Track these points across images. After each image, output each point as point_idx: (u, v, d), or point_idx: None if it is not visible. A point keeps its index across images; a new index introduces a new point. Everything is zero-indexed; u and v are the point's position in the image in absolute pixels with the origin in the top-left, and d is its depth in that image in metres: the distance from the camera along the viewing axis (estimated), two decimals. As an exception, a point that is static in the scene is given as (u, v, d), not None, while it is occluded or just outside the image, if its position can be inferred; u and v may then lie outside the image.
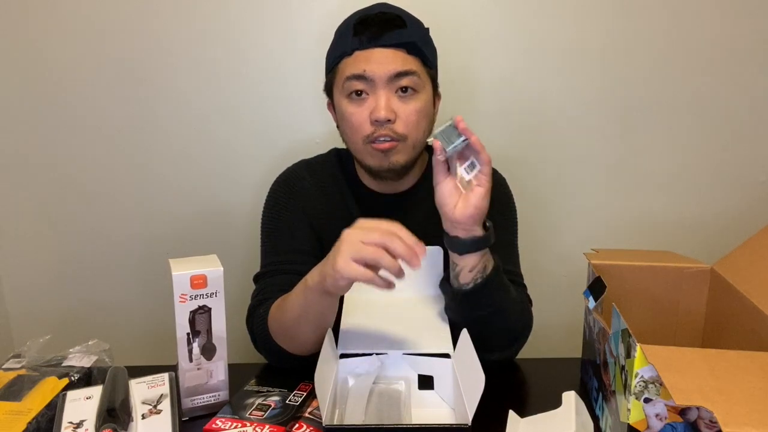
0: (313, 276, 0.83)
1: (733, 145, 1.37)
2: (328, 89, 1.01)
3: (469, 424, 0.72)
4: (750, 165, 1.38)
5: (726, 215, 1.40)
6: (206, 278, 0.80)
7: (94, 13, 1.28)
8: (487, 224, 0.87)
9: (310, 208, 1.05)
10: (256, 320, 0.96)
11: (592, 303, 0.86)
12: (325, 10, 1.28)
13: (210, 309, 0.82)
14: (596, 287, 0.85)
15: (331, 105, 1.03)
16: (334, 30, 1.00)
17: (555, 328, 1.34)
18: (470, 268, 0.86)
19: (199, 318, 0.81)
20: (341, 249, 0.76)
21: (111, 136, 1.35)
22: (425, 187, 1.04)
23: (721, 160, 1.38)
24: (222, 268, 0.82)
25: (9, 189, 1.37)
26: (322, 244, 1.02)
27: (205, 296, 0.81)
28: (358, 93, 0.94)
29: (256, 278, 1.04)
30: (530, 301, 1.02)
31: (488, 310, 0.89)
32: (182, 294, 0.80)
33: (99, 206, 1.39)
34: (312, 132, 1.34)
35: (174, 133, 1.35)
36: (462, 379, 0.79)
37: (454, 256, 0.88)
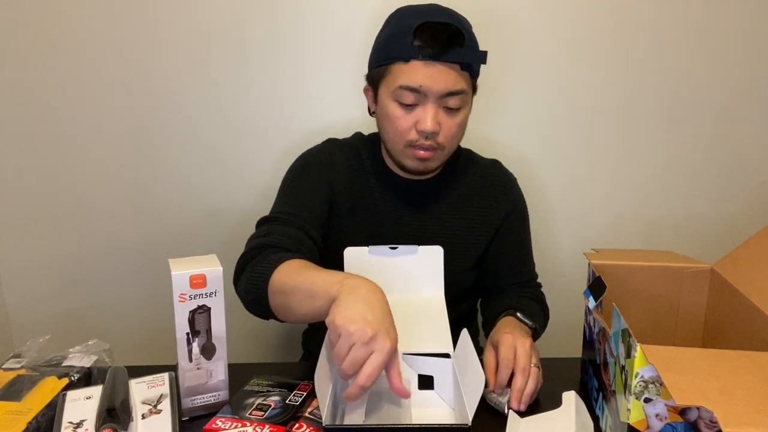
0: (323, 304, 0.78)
1: (733, 146, 1.37)
2: (373, 82, 1.01)
3: (469, 424, 0.72)
4: (750, 165, 1.38)
5: (726, 215, 1.40)
6: (206, 278, 0.80)
7: (94, 15, 1.28)
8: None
9: (336, 182, 1.06)
10: (262, 260, 0.89)
11: (592, 303, 0.86)
12: (330, 10, 1.27)
13: (209, 309, 0.82)
14: (596, 287, 0.85)
15: (371, 93, 1.03)
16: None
17: (555, 328, 1.34)
18: None
19: (199, 318, 0.81)
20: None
21: (110, 137, 1.35)
22: (448, 176, 1.09)
23: (721, 160, 1.38)
24: (221, 268, 0.81)
25: (9, 189, 1.37)
26: (333, 216, 1.05)
27: (204, 296, 0.81)
28: (409, 105, 0.96)
29: (262, 222, 1.01)
30: (543, 294, 1.15)
31: None
32: (182, 294, 0.80)
33: (99, 206, 1.39)
34: (313, 132, 1.34)
35: (174, 133, 1.35)
36: (462, 379, 0.79)
37: None
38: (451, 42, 0.92)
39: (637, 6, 1.29)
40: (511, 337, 0.88)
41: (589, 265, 0.92)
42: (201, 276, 0.80)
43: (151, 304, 1.44)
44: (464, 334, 0.83)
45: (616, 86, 1.34)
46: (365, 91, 1.05)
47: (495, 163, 1.15)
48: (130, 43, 1.30)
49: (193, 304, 0.81)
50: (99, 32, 1.29)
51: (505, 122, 1.36)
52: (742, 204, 1.40)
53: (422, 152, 0.98)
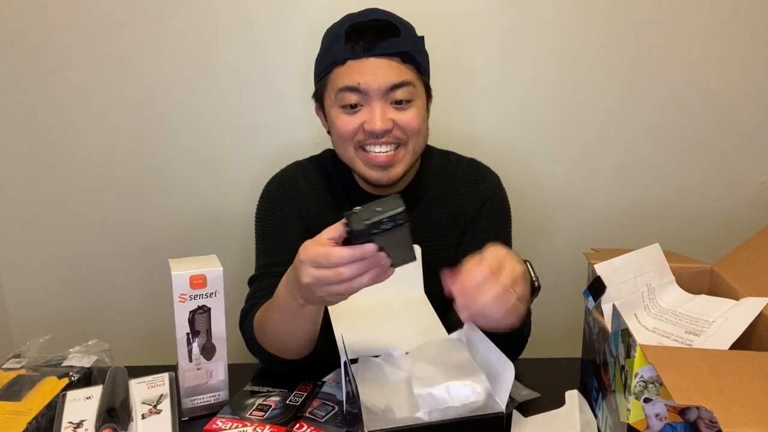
0: (292, 292, 0.78)
1: (734, 145, 1.37)
2: (318, 97, 1.00)
3: (504, 411, 0.71)
4: (750, 165, 1.38)
5: (726, 215, 1.40)
6: (206, 278, 0.80)
7: (94, 19, 1.28)
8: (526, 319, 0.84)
9: (305, 209, 1.04)
10: (247, 327, 0.94)
11: (592, 303, 0.86)
12: (323, 11, 1.27)
13: (209, 309, 0.82)
14: (596, 287, 0.85)
15: (321, 111, 1.01)
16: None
17: (555, 328, 1.34)
18: None
19: (199, 318, 0.81)
20: (320, 297, 0.74)
21: (110, 137, 1.35)
22: (419, 188, 1.04)
23: (721, 160, 1.38)
24: (221, 268, 0.82)
25: (9, 189, 1.37)
26: None
27: (204, 296, 0.81)
28: (353, 106, 0.93)
29: (250, 281, 1.02)
30: None
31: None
32: (182, 294, 0.80)
33: (99, 206, 1.39)
34: (313, 131, 1.34)
35: (173, 133, 1.35)
36: (487, 367, 0.77)
37: None
38: (382, 34, 0.91)
39: (636, 2, 1.29)
40: (504, 252, 0.73)
41: (589, 265, 0.92)
42: (201, 276, 0.80)
43: (151, 304, 1.44)
44: (469, 324, 0.83)
45: (616, 86, 1.33)
46: (316, 111, 1.03)
47: (471, 162, 1.10)
48: (130, 45, 1.29)
49: (194, 305, 0.81)
50: (99, 33, 1.29)
51: (505, 122, 1.36)
52: (742, 204, 1.40)
53: (381, 157, 0.93)
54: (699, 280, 0.92)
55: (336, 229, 0.71)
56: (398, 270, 0.91)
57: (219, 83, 1.32)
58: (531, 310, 0.98)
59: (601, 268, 0.85)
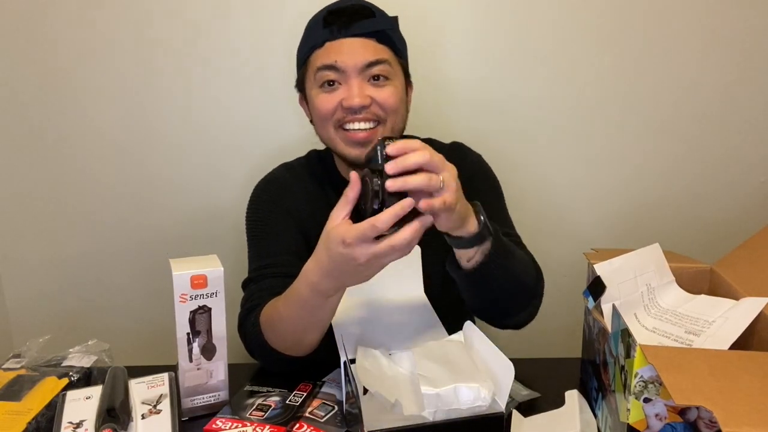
0: (323, 284, 0.78)
1: (733, 145, 1.37)
2: (300, 84, 1.03)
3: (504, 411, 0.71)
4: (750, 165, 1.38)
5: (726, 215, 1.40)
6: (206, 278, 0.80)
7: (94, 19, 1.28)
8: (482, 217, 0.82)
9: (295, 208, 1.04)
10: (249, 328, 0.92)
11: (591, 303, 0.86)
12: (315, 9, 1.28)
13: (210, 309, 0.82)
14: (596, 287, 0.85)
15: (304, 100, 1.04)
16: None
17: (555, 328, 1.34)
18: (471, 255, 0.83)
19: (199, 318, 0.81)
20: (368, 273, 0.75)
21: (111, 137, 1.35)
22: None
23: (721, 160, 1.38)
24: (222, 268, 0.82)
25: (9, 189, 1.37)
26: (309, 244, 1.00)
27: (205, 296, 0.81)
28: (330, 83, 0.95)
29: (245, 284, 1.01)
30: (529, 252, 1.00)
31: (501, 279, 0.86)
32: (182, 294, 0.80)
33: (99, 206, 1.39)
34: (312, 130, 1.34)
35: (174, 133, 1.35)
36: (487, 368, 0.77)
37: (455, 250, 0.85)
38: (358, 15, 0.94)
39: (638, 4, 1.29)
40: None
41: (588, 265, 0.92)
42: (202, 276, 0.80)
43: (151, 304, 1.44)
44: (468, 324, 0.83)
45: (616, 86, 1.34)
46: (300, 101, 1.06)
47: (452, 145, 1.11)
48: (129, 45, 1.30)
49: (194, 305, 0.81)
50: (99, 34, 1.29)
51: (505, 122, 1.36)
52: (742, 204, 1.40)
53: (360, 134, 0.94)
54: (699, 280, 0.92)
55: (344, 207, 0.73)
56: (398, 270, 0.91)
57: (219, 83, 1.33)
58: (536, 264, 0.97)
59: (601, 268, 0.85)
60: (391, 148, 0.70)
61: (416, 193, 0.70)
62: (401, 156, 0.70)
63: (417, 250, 0.95)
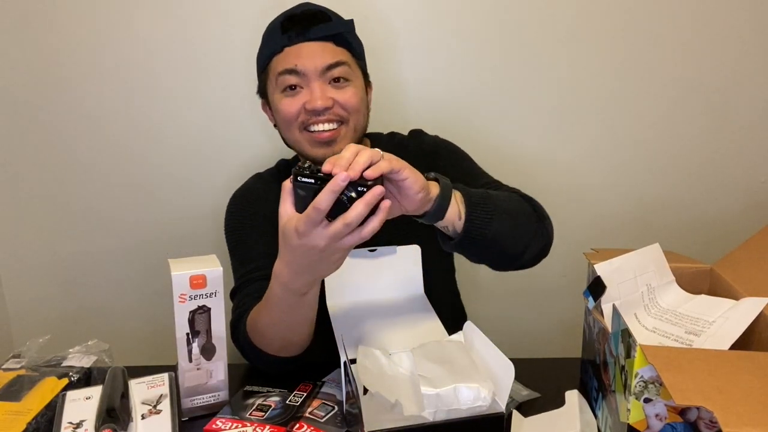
0: (295, 282, 0.78)
1: (734, 145, 1.37)
2: (262, 91, 1.05)
3: (504, 411, 0.71)
4: (750, 165, 1.38)
5: (726, 215, 1.40)
6: (206, 278, 0.80)
7: (95, 19, 1.28)
8: (433, 174, 0.82)
9: (268, 210, 1.03)
10: (241, 336, 0.92)
11: (591, 303, 0.86)
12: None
13: (209, 309, 0.82)
14: (596, 287, 0.85)
15: (267, 105, 1.05)
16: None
17: (555, 328, 1.34)
18: (453, 219, 0.82)
19: (199, 318, 0.81)
20: (334, 259, 0.74)
21: (110, 137, 1.35)
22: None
23: (721, 160, 1.38)
24: (221, 268, 0.82)
25: (9, 190, 1.37)
26: None
27: (204, 296, 0.81)
28: (292, 87, 0.97)
29: (232, 294, 1.01)
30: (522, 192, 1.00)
31: (494, 223, 0.84)
32: (182, 294, 0.80)
33: (99, 206, 1.39)
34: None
35: (173, 133, 1.35)
36: (487, 368, 0.77)
37: (439, 224, 0.84)
38: (314, 20, 0.97)
39: (638, 3, 1.29)
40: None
41: (589, 265, 0.92)
42: (201, 276, 0.80)
43: (151, 304, 1.44)
44: (469, 325, 0.83)
45: (616, 85, 1.33)
46: (263, 107, 1.07)
47: (410, 133, 1.13)
48: (129, 46, 1.29)
49: (194, 305, 0.81)
50: (99, 34, 1.29)
51: (504, 122, 1.36)
52: (742, 204, 1.40)
53: (324, 134, 0.97)
54: (699, 280, 0.92)
55: (285, 199, 0.73)
56: (398, 270, 0.90)
57: (219, 83, 1.33)
58: (525, 194, 0.98)
59: (601, 268, 0.85)
60: (325, 165, 0.70)
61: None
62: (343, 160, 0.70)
63: (417, 250, 0.95)
